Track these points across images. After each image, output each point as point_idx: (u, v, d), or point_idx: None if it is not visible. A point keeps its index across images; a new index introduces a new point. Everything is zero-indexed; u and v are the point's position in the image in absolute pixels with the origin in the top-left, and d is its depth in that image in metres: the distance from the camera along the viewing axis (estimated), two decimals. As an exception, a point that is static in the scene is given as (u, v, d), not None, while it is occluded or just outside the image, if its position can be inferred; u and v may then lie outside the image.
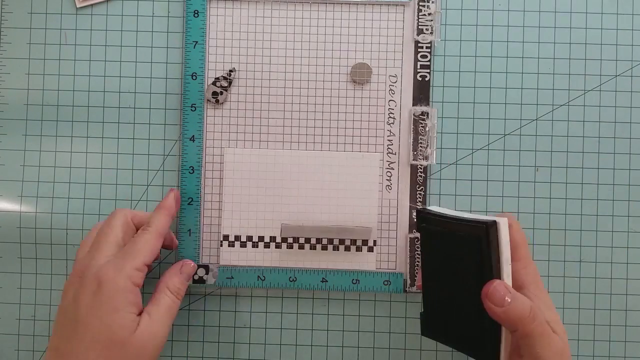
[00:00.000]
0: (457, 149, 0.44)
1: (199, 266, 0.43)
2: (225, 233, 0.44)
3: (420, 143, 0.43)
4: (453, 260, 0.34)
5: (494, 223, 0.31)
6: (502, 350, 0.31)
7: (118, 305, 0.34)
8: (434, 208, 0.36)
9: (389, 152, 0.44)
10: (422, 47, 0.44)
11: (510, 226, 0.32)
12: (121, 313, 0.34)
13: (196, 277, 0.43)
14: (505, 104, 0.44)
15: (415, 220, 0.36)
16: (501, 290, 0.30)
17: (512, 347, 0.32)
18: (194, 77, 0.44)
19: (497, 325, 0.31)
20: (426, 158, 0.43)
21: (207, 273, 0.43)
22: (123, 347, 0.33)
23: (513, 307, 0.30)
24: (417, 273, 0.43)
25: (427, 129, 0.43)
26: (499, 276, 0.31)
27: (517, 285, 0.33)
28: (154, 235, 0.37)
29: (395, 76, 0.44)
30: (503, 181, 0.44)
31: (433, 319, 0.36)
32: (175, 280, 0.38)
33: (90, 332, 0.33)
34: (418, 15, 0.43)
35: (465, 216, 0.33)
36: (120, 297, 0.34)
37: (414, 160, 0.43)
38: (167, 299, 0.37)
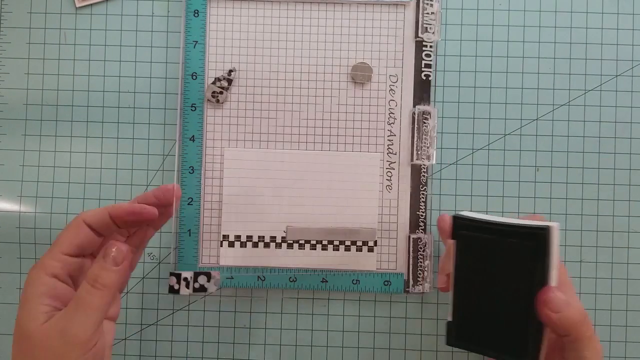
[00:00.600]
0: (457, 149, 0.44)
1: (199, 273, 0.41)
2: (225, 233, 0.44)
3: (421, 143, 0.43)
4: (497, 266, 0.33)
5: (551, 228, 0.31)
6: (541, 353, 0.32)
7: (28, 295, 0.31)
8: (467, 213, 0.35)
9: (390, 152, 0.44)
10: (426, 46, 0.44)
11: None
12: (30, 304, 0.31)
13: (197, 286, 0.41)
14: (506, 103, 0.44)
15: (452, 225, 0.35)
16: (559, 297, 0.30)
17: (553, 349, 0.33)
18: (194, 77, 0.43)
19: (540, 329, 0.31)
20: (427, 158, 0.43)
21: (208, 280, 0.41)
22: (29, 339, 0.30)
23: (570, 313, 0.30)
24: (421, 274, 0.43)
25: (428, 129, 0.43)
26: (549, 282, 0.31)
27: None
28: (74, 223, 0.32)
29: (396, 76, 0.44)
30: (503, 181, 0.44)
31: (464, 326, 0.35)
32: (94, 267, 0.31)
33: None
34: (423, 14, 0.43)
35: (507, 221, 0.33)
36: (29, 288, 0.31)
37: (414, 160, 0.43)
38: (81, 291, 0.31)
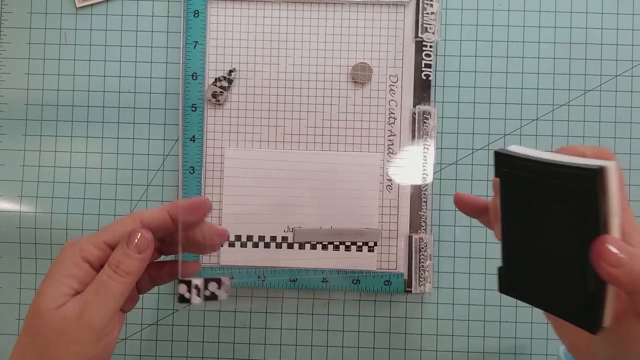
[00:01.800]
0: (457, 149, 0.44)
1: (209, 280, 0.36)
2: (226, 233, 0.44)
3: (421, 143, 0.43)
4: (546, 210, 0.28)
5: (603, 169, 0.26)
6: (606, 313, 0.27)
7: (54, 272, 0.30)
8: (514, 148, 0.30)
9: (390, 152, 0.44)
10: (426, 46, 0.44)
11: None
12: (53, 281, 0.30)
13: (207, 294, 0.35)
14: (506, 104, 0.44)
15: (495, 163, 0.30)
16: (617, 248, 0.25)
17: (625, 307, 0.27)
18: (194, 77, 0.43)
19: (601, 284, 0.26)
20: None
21: (219, 287, 0.36)
22: (43, 319, 0.29)
23: (633, 267, 0.25)
24: (422, 274, 0.43)
25: (428, 129, 0.43)
26: (607, 231, 0.26)
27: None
28: (128, 217, 0.31)
29: (396, 76, 0.44)
30: (503, 181, 0.44)
31: (516, 275, 0.31)
32: (116, 253, 0.30)
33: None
34: (423, 14, 0.43)
35: (560, 160, 0.28)
36: (59, 265, 0.30)
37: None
38: (102, 276, 0.30)
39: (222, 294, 0.36)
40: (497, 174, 0.30)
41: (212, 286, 0.36)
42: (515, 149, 0.30)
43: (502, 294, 0.31)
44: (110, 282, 0.30)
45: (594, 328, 0.27)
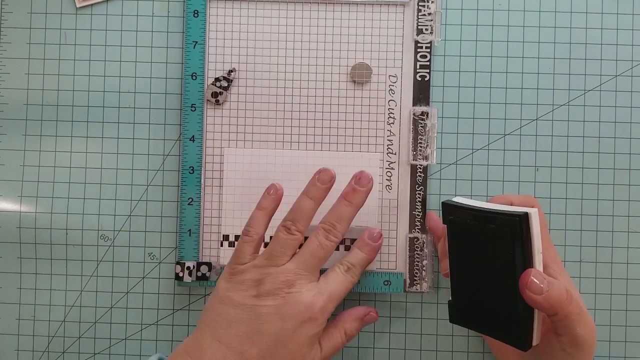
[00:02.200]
0: (457, 149, 0.44)
1: (201, 263, 0.43)
2: (226, 233, 0.44)
3: (420, 143, 0.43)
4: (483, 250, 0.34)
5: (526, 215, 0.32)
6: (534, 333, 0.33)
7: (313, 341, 0.36)
8: (458, 199, 0.37)
9: (389, 152, 0.44)
10: (421, 47, 0.44)
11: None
12: (312, 352, 0.36)
13: (199, 274, 0.43)
14: (505, 104, 0.44)
15: (442, 213, 0.37)
16: (539, 280, 0.31)
17: (548, 327, 0.34)
18: (194, 77, 0.44)
19: (529, 309, 0.33)
20: (426, 158, 0.43)
21: (209, 270, 0.43)
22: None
23: (552, 294, 0.31)
24: (419, 273, 0.43)
25: (427, 129, 0.43)
26: (531, 265, 0.32)
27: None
28: (350, 277, 0.39)
29: (395, 76, 0.44)
30: (503, 181, 0.44)
31: (462, 306, 0.37)
32: (354, 326, 0.39)
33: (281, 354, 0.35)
34: (418, 15, 0.43)
35: (493, 208, 0.34)
36: (316, 336, 0.36)
37: (413, 160, 0.43)
38: (338, 340, 0.38)
39: (212, 276, 0.43)
40: (444, 221, 0.37)
41: (204, 268, 0.43)
42: (459, 200, 0.37)
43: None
44: (340, 347, 0.39)
45: (525, 346, 0.33)
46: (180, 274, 0.43)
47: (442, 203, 0.37)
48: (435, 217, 0.42)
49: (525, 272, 0.32)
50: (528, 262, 0.32)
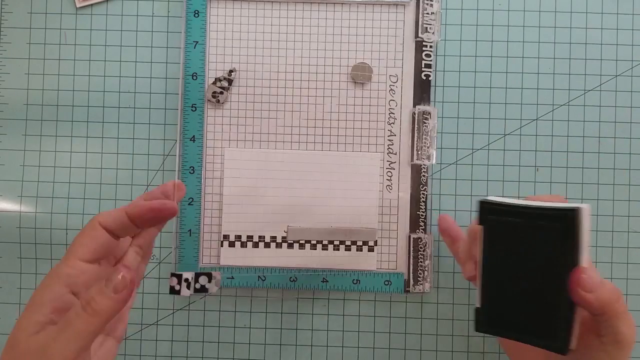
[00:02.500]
0: (457, 149, 0.44)
1: (200, 274, 0.40)
2: (226, 233, 0.44)
3: (421, 143, 0.43)
4: (525, 250, 0.33)
5: (579, 210, 0.30)
6: (573, 336, 0.31)
7: (32, 301, 0.29)
8: (494, 198, 0.34)
9: (390, 152, 0.44)
10: (426, 47, 0.44)
11: None
12: (29, 311, 0.28)
13: (198, 286, 0.40)
14: (505, 103, 0.44)
15: (479, 212, 0.34)
16: (593, 277, 0.30)
17: (588, 330, 0.32)
18: (194, 77, 0.43)
19: (571, 311, 0.31)
20: (427, 158, 0.43)
21: (209, 281, 0.40)
22: (12, 348, 0.28)
23: (604, 292, 0.30)
24: (421, 273, 0.43)
25: (428, 129, 0.43)
26: (581, 263, 0.31)
27: None
28: (89, 226, 0.30)
29: (396, 76, 0.44)
30: (503, 181, 0.44)
31: (493, 311, 0.34)
32: (93, 289, 0.28)
33: None
34: (423, 14, 0.43)
35: (535, 204, 0.32)
36: (38, 293, 0.29)
37: (414, 160, 0.43)
38: (71, 312, 0.28)
39: (212, 287, 0.40)
40: (481, 222, 0.34)
41: (203, 280, 0.40)
42: (495, 198, 0.34)
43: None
44: (76, 320, 0.27)
45: (564, 350, 0.31)
46: (177, 287, 0.39)
47: (480, 202, 0.34)
48: (449, 219, 0.42)
49: (577, 269, 0.30)
50: (577, 259, 0.31)
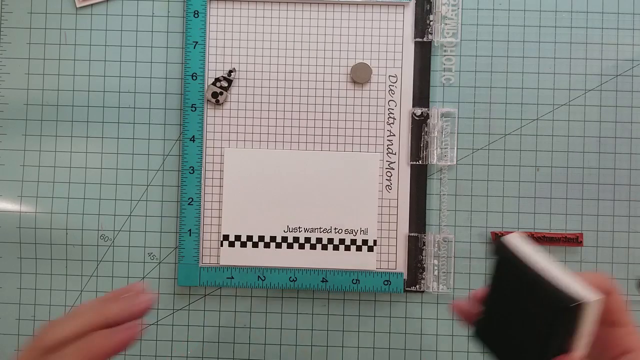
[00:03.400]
0: (457, 148, 0.44)
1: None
2: (225, 233, 0.44)
3: (420, 143, 0.43)
4: (525, 302, 0.31)
5: (581, 305, 0.27)
6: None
7: None
8: (517, 239, 0.32)
9: (389, 152, 0.44)
10: (446, 50, 0.44)
11: (610, 293, 0.28)
12: None
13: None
14: (506, 103, 0.44)
15: (495, 248, 0.32)
16: None
17: None
18: (194, 77, 0.43)
19: None
20: (426, 158, 0.43)
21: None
22: None
23: None
24: (420, 273, 0.43)
25: (428, 129, 0.43)
26: (573, 349, 0.28)
27: (623, 350, 0.30)
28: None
29: (395, 76, 0.44)
30: (503, 181, 0.44)
31: (489, 329, 0.33)
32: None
33: None
34: (423, 14, 0.43)
35: (546, 274, 0.29)
36: None
37: (413, 160, 0.43)
38: None
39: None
40: (495, 253, 0.32)
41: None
42: (518, 240, 0.31)
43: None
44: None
45: None
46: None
47: (499, 239, 0.32)
48: (462, 305, 0.35)
49: (563, 356, 0.28)
50: (568, 346, 0.28)
